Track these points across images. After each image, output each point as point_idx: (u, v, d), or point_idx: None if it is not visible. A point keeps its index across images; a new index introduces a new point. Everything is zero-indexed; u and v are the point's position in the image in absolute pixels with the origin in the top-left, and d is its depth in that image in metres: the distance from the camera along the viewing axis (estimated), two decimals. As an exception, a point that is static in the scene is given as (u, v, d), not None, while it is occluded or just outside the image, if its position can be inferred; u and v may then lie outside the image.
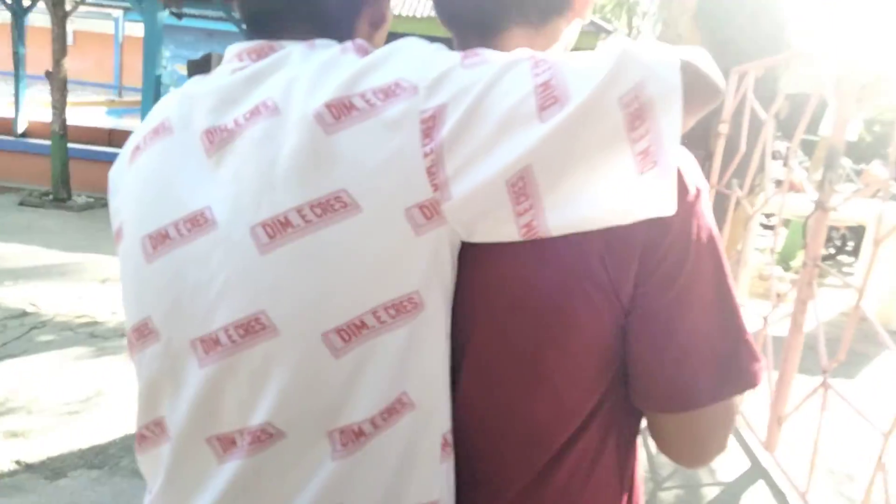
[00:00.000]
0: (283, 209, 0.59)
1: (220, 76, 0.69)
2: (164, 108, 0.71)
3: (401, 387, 0.63)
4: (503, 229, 0.61)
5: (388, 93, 0.61)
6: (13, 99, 8.47)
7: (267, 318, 0.60)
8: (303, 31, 0.71)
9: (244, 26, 0.75)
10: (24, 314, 3.99)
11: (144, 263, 0.66)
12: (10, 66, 8.39)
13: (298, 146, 0.60)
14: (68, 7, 7.15)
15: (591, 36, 8.95)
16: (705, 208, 0.67)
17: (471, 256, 0.68)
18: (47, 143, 7.35)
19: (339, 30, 0.72)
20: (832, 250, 8.61)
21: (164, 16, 7.63)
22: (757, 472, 2.88)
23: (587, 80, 0.57)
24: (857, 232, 8.07)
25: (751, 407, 3.26)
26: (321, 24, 0.72)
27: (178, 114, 0.69)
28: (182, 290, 0.64)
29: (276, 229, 0.59)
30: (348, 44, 0.68)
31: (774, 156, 8.12)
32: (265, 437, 0.62)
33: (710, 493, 2.73)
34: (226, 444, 0.64)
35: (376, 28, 0.79)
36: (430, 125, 0.59)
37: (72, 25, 8.75)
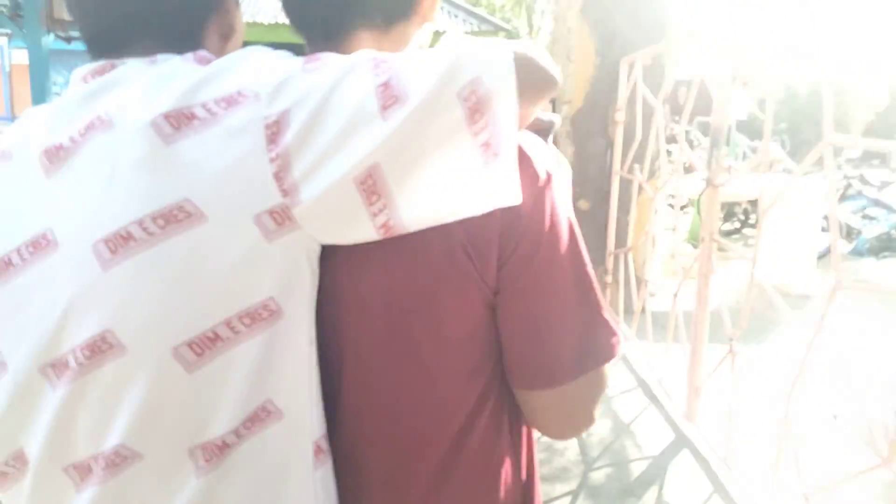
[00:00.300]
0: (124, 223, 0.58)
1: (61, 99, 0.68)
2: (5, 137, 0.69)
3: (264, 395, 0.63)
4: (360, 230, 0.62)
5: (230, 101, 0.61)
6: None
7: (114, 337, 0.59)
8: (147, 48, 0.70)
9: (87, 48, 0.73)
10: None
11: None
12: None
13: (136, 158, 0.59)
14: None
15: (490, 35, 9.11)
16: (557, 192, 0.70)
17: (338, 259, 0.68)
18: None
19: (184, 43, 0.72)
20: (737, 224, 9.06)
21: (51, 40, 7.26)
22: (681, 442, 2.99)
23: (425, 78, 0.59)
24: (758, 206, 8.54)
25: (671, 380, 3.39)
26: (165, 38, 0.71)
27: (17, 139, 0.67)
28: (28, 316, 0.62)
29: (118, 244, 0.58)
30: (189, 55, 0.68)
31: (675, 139, 8.50)
32: (119, 460, 0.61)
33: (639, 467, 2.82)
34: (82, 471, 0.63)
35: (226, 39, 0.79)
36: (274, 131, 0.59)
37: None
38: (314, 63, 0.63)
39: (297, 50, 0.72)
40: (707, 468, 2.76)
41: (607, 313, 0.74)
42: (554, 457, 2.88)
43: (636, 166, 4.25)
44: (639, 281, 4.17)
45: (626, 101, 4.47)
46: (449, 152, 0.61)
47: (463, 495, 0.75)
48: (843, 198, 7.75)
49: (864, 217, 6.98)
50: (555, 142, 3.24)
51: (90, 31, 0.72)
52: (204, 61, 0.67)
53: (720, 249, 3.11)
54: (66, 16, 7.76)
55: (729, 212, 7.95)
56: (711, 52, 3.29)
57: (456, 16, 9.83)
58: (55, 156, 0.62)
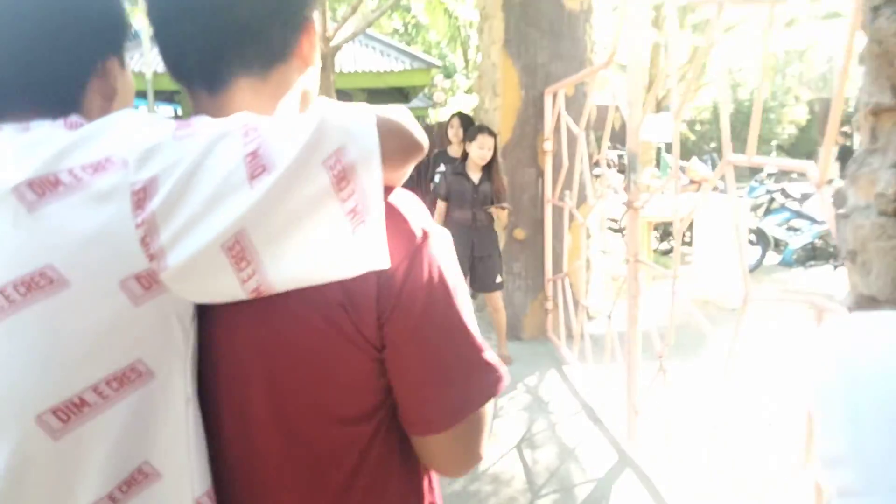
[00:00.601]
0: None
1: None
2: None
3: (139, 457, 0.63)
4: (230, 292, 0.63)
5: (98, 167, 0.61)
6: None
7: None
8: (26, 110, 0.69)
9: None
10: None
11: None
12: None
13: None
14: None
15: (423, 73, 9.26)
16: (433, 249, 0.73)
17: (214, 313, 0.69)
18: None
19: (64, 107, 0.71)
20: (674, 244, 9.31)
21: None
22: (624, 462, 3.03)
23: (290, 148, 0.61)
24: (689, 222, 8.82)
25: (611, 402, 3.44)
26: (43, 103, 0.71)
27: None
28: None
29: None
30: (60, 121, 0.68)
31: (609, 164, 8.73)
32: None
33: (584, 491, 2.84)
34: None
35: (109, 100, 0.79)
36: (141, 196, 0.60)
37: None
38: (185, 129, 0.64)
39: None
40: (649, 485, 2.80)
41: (487, 354, 0.76)
42: (500, 488, 2.88)
43: (567, 193, 4.36)
44: (577, 305, 4.24)
45: (552, 130, 4.60)
46: (316, 218, 0.62)
47: None
48: (767, 211, 8.06)
49: (789, 229, 7.27)
50: (495, 172, 3.29)
51: None
52: (74, 126, 0.67)
53: (647, 269, 3.20)
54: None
55: (665, 231, 8.17)
56: (627, 78, 3.42)
57: (388, 55, 9.96)
58: None
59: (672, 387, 2.80)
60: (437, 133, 7.73)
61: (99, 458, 0.61)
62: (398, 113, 0.72)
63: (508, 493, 2.84)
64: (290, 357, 0.69)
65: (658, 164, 10.93)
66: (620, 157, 10.88)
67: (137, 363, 0.62)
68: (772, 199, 8.27)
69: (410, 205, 0.74)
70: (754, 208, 8.31)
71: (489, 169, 4.14)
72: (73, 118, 0.69)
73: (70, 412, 0.59)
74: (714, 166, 11.77)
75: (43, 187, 0.60)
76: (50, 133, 0.66)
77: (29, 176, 0.60)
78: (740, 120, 19.23)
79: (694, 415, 2.93)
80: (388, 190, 0.71)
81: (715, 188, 7.04)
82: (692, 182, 8.50)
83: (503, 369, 0.78)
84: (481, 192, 4.13)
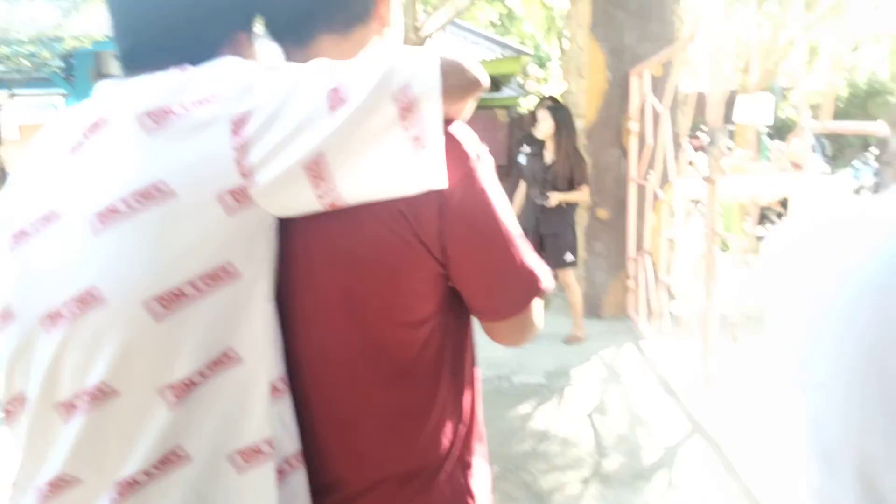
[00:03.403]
0: (112, 199, 0.71)
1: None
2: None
3: (225, 343, 0.74)
4: (308, 204, 0.75)
5: (203, 101, 0.73)
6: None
7: (98, 292, 0.71)
8: (164, 69, 0.79)
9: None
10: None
11: (4, 257, 0.78)
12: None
13: (124, 146, 0.74)
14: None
15: (513, 61, 9.34)
16: (483, 170, 0.83)
17: (298, 227, 0.80)
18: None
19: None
20: (770, 228, 8.97)
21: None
22: (695, 429, 3.08)
23: (366, 83, 0.72)
24: (787, 204, 8.45)
25: (685, 374, 3.47)
26: (180, 62, 0.80)
27: (50, 141, 0.82)
28: (32, 276, 0.75)
29: (107, 217, 0.71)
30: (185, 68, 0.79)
31: (697, 148, 8.51)
32: (100, 395, 0.72)
33: (652, 456, 2.92)
34: (68, 408, 0.74)
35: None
36: (238, 124, 0.71)
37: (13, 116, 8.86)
38: (277, 72, 0.75)
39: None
40: (719, 452, 2.85)
41: (534, 258, 0.87)
42: (568, 449, 3.01)
43: (650, 172, 4.38)
44: (658, 283, 4.27)
45: (638, 111, 4.63)
46: (384, 143, 0.73)
47: (404, 431, 0.86)
48: (875, 192, 7.62)
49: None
50: (564, 151, 3.35)
51: (122, 50, 0.85)
52: (185, 70, 0.78)
53: (723, 248, 3.21)
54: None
55: (762, 215, 7.90)
56: (713, 61, 3.43)
57: (478, 44, 10.13)
58: (71, 147, 0.78)
59: (745, 359, 2.83)
60: (528, 119, 7.81)
61: (193, 340, 0.72)
62: (460, 54, 0.81)
63: (576, 454, 2.96)
64: (360, 266, 0.79)
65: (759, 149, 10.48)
66: (694, 137, 10.51)
67: (228, 265, 0.72)
68: (878, 182, 7.82)
69: (466, 134, 0.83)
70: (857, 190, 7.89)
71: (560, 148, 4.21)
72: (187, 66, 0.79)
73: (171, 301, 0.70)
74: (823, 152, 11.17)
75: (159, 116, 0.73)
76: (169, 74, 0.78)
77: (149, 108, 0.73)
78: (855, 104, 18.02)
79: (765, 385, 2.95)
80: (449, 121, 0.80)
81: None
82: (793, 165, 8.14)
83: (545, 271, 0.89)
84: (552, 171, 4.23)
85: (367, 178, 0.74)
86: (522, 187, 4.45)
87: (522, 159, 4.79)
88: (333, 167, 0.72)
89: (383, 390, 0.85)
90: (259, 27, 0.93)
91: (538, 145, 4.37)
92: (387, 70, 0.73)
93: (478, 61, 0.84)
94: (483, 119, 10.92)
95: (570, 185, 4.21)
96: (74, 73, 9.26)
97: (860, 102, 17.34)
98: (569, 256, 4.31)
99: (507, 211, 0.85)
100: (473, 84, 0.82)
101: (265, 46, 0.93)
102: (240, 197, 0.72)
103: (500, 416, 3.37)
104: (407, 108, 0.72)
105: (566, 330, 4.52)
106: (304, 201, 0.74)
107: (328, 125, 0.71)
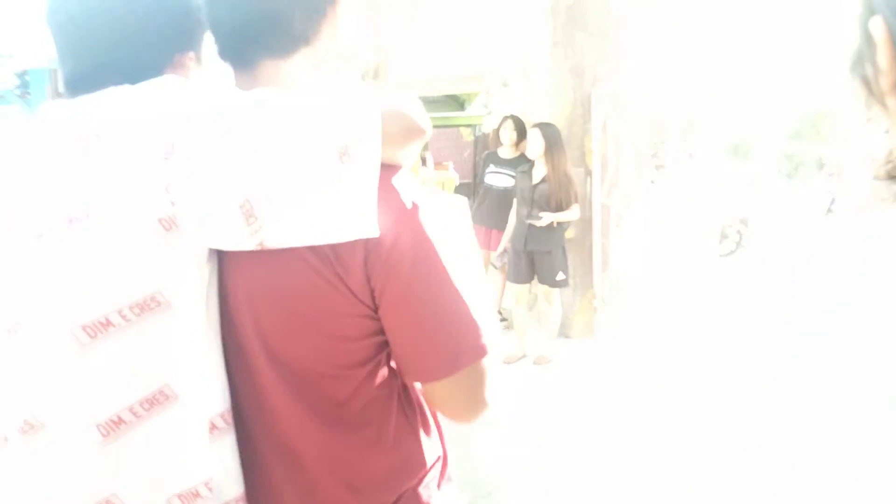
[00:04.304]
0: (40, 224, 0.70)
1: None
2: None
3: (161, 380, 0.72)
4: (240, 242, 0.72)
5: (136, 124, 0.72)
6: None
7: (24, 318, 0.69)
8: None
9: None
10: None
11: None
12: None
13: (56, 170, 0.72)
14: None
15: (477, 80, 9.39)
16: (423, 220, 0.78)
17: (228, 259, 0.78)
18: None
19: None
20: (732, 247, 9.11)
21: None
22: (666, 450, 3.06)
23: (302, 124, 0.70)
24: (747, 222, 8.59)
25: (651, 392, 3.44)
26: (123, 82, 0.80)
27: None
28: None
29: (35, 241, 0.70)
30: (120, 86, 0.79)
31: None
32: (27, 428, 0.69)
33: (626, 479, 2.89)
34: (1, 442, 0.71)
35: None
36: (169, 151, 0.70)
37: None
38: (213, 99, 0.74)
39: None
40: (690, 474, 2.82)
41: (477, 317, 0.80)
42: (539, 474, 2.96)
43: (615, 191, 4.41)
44: (625, 303, 4.28)
45: (600, 130, 4.66)
46: (317, 187, 0.70)
47: (355, 468, 0.84)
48: (827, 212, 7.85)
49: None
50: (551, 172, 3.35)
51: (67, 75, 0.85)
52: (121, 91, 0.78)
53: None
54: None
55: (723, 234, 8.04)
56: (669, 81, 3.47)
57: (442, 63, 10.12)
58: (8, 168, 0.75)
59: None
60: (492, 138, 7.85)
61: (121, 372, 0.70)
62: (403, 99, 0.80)
63: (548, 480, 2.92)
64: (289, 306, 0.77)
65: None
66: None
67: (158, 294, 0.70)
68: (833, 200, 8.05)
69: (404, 182, 0.80)
70: (814, 208, 8.10)
71: (550, 168, 4.20)
72: (124, 86, 0.79)
73: (97, 329, 0.68)
74: (779, 170, 11.46)
75: (90, 140, 0.72)
76: (105, 95, 0.77)
77: (81, 131, 0.72)
78: (808, 123, 18.63)
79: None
80: (392, 168, 0.78)
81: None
82: (751, 184, 8.34)
83: (492, 332, 0.83)
84: (538, 190, 4.22)
85: (297, 221, 0.71)
86: (515, 205, 4.42)
87: (491, 178, 4.78)
88: (263, 207, 0.70)
89: (324, 428, 0.82)
90: (211, 48, 0.90)
91: (526, 164, 4.37)
92: (326, 111, 0.71)
93: (421, 106, 0.83)
94: (448, 137, 10.91)
95: (559, 205, 4.19)
96: (31, 90, 9.07)
97: (813, 122, 17.92)
98: (560, 275, 4.31)
99: (446, 263, 0.79)
100: (415, 132, 0.80)
101: (217, 69, 0.90)
102: (169, 225, 0.70)
103: (469, 440, 3.32)
104: (343, 153, 0.70)
105: (536, 351, 4.50)
106: (234, 237, 0.72)
107: (259, 164, 0.69)
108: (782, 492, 2.56)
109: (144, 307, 0.70)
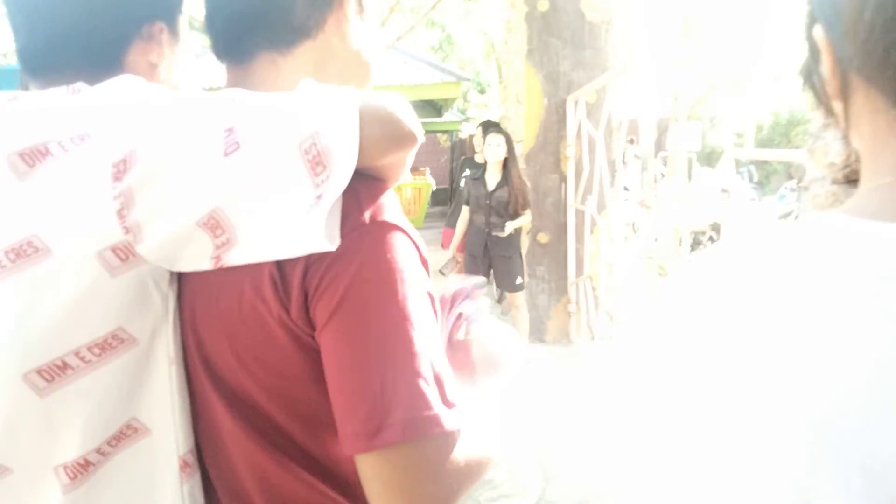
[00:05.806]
0: None
1: None
2: None
3: (128, 413, 0.66)
4: (200, 263, 0.65)
5: (84, 137, 0.62)
6: None
7: None
8: (74, 68, 0.73)
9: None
10: None
11: None
12: None
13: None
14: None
15: (454, 86, 9.43)
16: (383, 241, 0.64)
17: (186, 280, 0.70)
18: None
19: (108, 65, 0.75)
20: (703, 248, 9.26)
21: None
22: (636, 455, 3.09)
23: (268, 128, 0.61)
24: (718, 229, 8.77)
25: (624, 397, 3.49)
26: (86, 59, 0.73)
27: None
28: None
29: None
30: (67, 87, 0.68)
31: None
32: None
33: (597, 482, 2.91)
34: None
35: (154, 65, 0.80)
36: (120, 169, 0.61)
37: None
38: (165, 100, 0.65)
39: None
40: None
41: (431, 387, 0.62)
42: (513, 476, 2.97)
43: (589, 197, 4.45)
44: (599, 308, 4.32)
45: (574, 136, 4.71)
46: (282, 200, 0.61)
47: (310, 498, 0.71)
48: (797, 219, 7.98)
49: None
50: (512, 177, 3.40)
51: (20, 50, 0.75)
52: (76, 92, 0.67)
53: (661, 273, 3.27)
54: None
55: (695, 240, 8.15)
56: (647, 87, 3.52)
57: (419, 68, 10.16)
58: None
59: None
60: (468, 143, 7.87)
61: (85, 415, 0.64)
62: (389, 100, 0.67)
63: (522, 482, 2.93)
64: (234, 333, 0.67)
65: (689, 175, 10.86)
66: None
67: (119, 331, 0.64)
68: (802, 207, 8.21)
69: (376, 196, 0.67)
70: (784, 216, 8.25)
71: (508, 175, 4.26)
72: (78, 84, 0.68)
73: (54, 373, 0.62)
74: (751, 178, 11.65)
75: (34, 157, 0.62)
76: (53, 96, 0.67)
77: (21, 147, 0.62)
78: (778, 132, 18.94)
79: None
80: (372, 181, 0.68)
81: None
82: (723, 191, 8.47)
83: (446, 409, 0.62)
84: (495, 197, 4.26)
85: (259, 238, 0.62)
86: (465, 212, 4.46)
87: (464, 183, 4.80)
88: (233, 220, 0.61)
89: (278, 469, 0.70)
90: (204, 43, 0.82)
91: (478, 169, 4.40)
92: (294, 113, 0.61)
93: (411, 110, 0.70)
94: (425, 143, 10.92)
95: (515, 210, 4.24)
96: (-2, 92, 8.86)
97: (783, 131, 18.24)
98: (519, 280, 4.39)
99: (408, 304, 0.64)
100: (403, 136, 0.67)
101: (211, 67, 0.82)
102: (124, 255, 0.62)
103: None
104: (316, 161, 0.60)
105: (508, 355, 4.51)
106: (198, 253, 0.64)
107: (222, 174, 0.60)
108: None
109: (106, 346, 0.63)
